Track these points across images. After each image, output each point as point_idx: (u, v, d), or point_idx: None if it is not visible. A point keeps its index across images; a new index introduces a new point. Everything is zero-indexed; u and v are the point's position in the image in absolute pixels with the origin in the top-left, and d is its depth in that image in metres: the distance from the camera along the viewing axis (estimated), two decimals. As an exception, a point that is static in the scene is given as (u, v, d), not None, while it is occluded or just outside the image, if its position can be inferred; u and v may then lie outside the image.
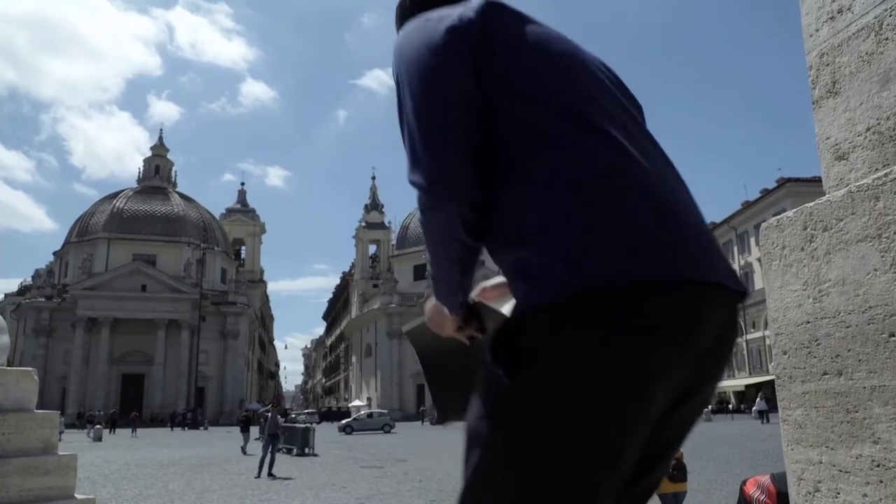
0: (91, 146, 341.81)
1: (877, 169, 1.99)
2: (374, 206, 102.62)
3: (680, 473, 7.47)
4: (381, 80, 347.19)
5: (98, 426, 38.04)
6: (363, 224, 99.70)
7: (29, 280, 77.59)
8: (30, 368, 5.91)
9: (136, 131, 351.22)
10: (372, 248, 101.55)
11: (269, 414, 18.96)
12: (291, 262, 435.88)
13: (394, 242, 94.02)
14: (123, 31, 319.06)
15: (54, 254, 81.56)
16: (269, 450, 16.48)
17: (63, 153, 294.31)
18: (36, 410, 5.69)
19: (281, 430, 19.18)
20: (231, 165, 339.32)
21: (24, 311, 71.18)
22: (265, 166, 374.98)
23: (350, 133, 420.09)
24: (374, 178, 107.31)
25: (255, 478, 15.56)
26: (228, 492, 13.27)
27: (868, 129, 2.03)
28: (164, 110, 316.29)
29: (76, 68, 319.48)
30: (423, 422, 55.44)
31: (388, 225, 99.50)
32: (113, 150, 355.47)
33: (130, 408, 65.98)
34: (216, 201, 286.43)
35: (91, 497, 5.91)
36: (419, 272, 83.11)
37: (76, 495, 5.63)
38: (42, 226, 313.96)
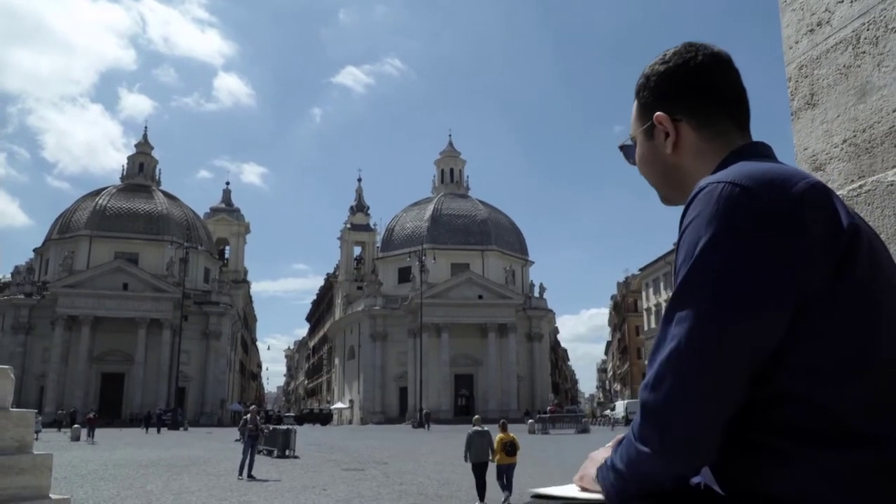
0: (63, 139, 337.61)
1: (852, 180, 2.02)
2: (360, 207, 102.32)
3: (512, 449, 11.55)
4: (356, 78, 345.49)
5: (76, 426, 37.56)
6: (348, 226, 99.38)
7: (8, 276, 76.59)
8: (6, 366, 5.83)
9: (109, 125, 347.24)
10: (357, 250, 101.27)
11: (250, 415, 18.84)
12: (272, 262, 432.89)
13: (378, 245, 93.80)
14: (94, 21, 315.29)
15: (34, 250, 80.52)
16: (249, 451, 16.38)
17: (35, 146, 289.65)
18: (11, 409, 5.62)
19: (261, 430, 19.04)
20: (206, 161, 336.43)
21: (3, 308, 70.10)
22: (240, 163, 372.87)
23: (326, 131, 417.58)
24: (359, 179, 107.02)
25: (238, 479, 15.47)
26: (207, 493, 13.17)
27: (844, 141, 2.06)
28: (136, 103, 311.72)
29: (44, 60, 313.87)
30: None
31: (373, 227, 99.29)
32: (85, 144, 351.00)
33: (110, 408, 65.41)
34: (191, 198, 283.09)
35: (66, 497, 5.84)
36: (403, 275, 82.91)
37: (51, 495, 5.56)
38: (16, 220, 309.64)
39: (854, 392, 1.00)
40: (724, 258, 1.01)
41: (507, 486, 11.52)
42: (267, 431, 23.09)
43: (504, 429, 12.17)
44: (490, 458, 11.84)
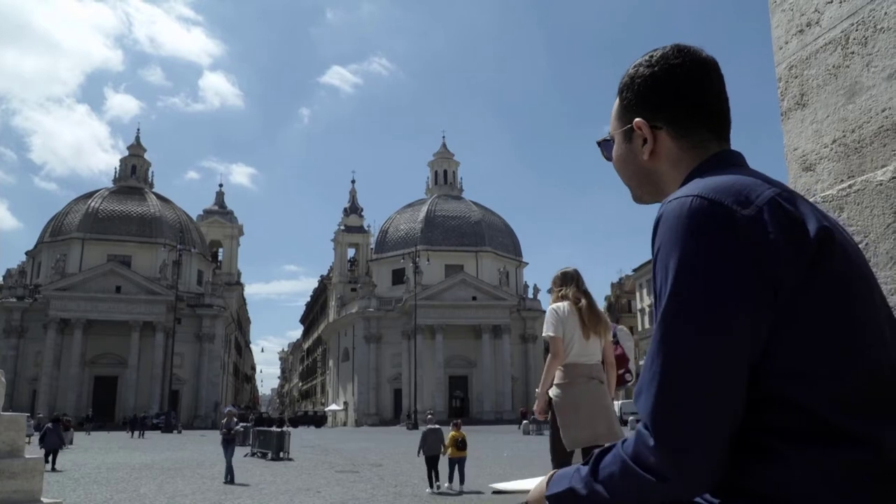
0: (50, 141, 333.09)
1: (842, 180, 2.03)
2: (354, 209, 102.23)
3: (462, 445, 13.31)
4: (343, 77, 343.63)
5: (69, 429, 37.30)
6: (342, 227, 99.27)
7: (0, 280, 76.24)
8: (-3, 370, 5.80)
9: (96, 126, 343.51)
10: (350, 252, 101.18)
11: (226, 418, 17.53)
12: (263, 264, 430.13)
13: (372, 246, 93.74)
14: (80, 20, 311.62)
15: (26, 253, 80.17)
16: (225, 455, 15.82)
17: (22, 148, 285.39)
18: (3, 413, 5.60)
19: (235, 433, 17.72)
20: (194, 162, 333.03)
21: (-5, 311, 69.88)
22: (229, 164, 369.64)
23: (316, 132, 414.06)
24: (353, 181, 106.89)
25: (224, 483, 15.30)
26: (201, 496, 13.12)
27: (834, 141, 2.07)
28: (123, 103, 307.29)
29: (30, 59, 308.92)
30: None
31: (366, 229, 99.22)
32: (72, 145, 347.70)
33: (104, 411, 65.08)
34: (179, 199, 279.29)
35: (58, 501, 5.83)
36: (397, 276, 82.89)
37: (43, 499, 5.53)
38: (4, 223, 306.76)
39: (837, 391, 1.01)
40: (697, 274, 1.02)
41: (460, 476, 13.14)
42: (238, 430, 20.96)
43: (457, 428, 13.87)
44: (441, 451, 13.55)
